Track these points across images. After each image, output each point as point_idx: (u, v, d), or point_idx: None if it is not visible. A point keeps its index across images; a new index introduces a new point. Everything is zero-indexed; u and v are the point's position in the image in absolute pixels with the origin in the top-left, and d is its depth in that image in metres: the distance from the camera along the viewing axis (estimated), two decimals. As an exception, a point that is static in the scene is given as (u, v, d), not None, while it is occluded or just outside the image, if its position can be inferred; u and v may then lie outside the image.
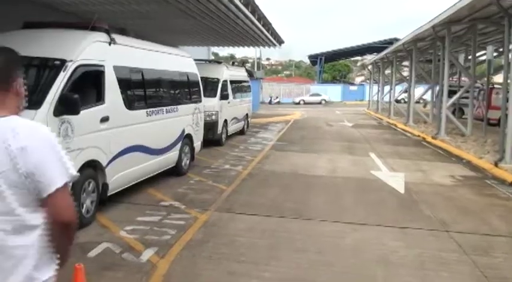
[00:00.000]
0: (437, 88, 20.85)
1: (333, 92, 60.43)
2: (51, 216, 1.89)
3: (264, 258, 5.29)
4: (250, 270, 4.93)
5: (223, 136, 15.02)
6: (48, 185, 1.84)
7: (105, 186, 6.72)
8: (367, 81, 58.93)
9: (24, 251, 1.85)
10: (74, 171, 1.97)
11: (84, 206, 6.16)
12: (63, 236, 1.96)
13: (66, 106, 5.63)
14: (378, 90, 36.73)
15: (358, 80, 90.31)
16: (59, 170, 1.89)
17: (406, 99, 29.68)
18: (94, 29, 6.86)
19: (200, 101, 10.85)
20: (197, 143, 10.55)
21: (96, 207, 6.47)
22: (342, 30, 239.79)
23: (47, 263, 1.97)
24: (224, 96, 14.86)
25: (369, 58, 52.47)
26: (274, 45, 20.97)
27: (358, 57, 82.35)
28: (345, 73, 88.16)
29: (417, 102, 26.73)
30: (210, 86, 14.35)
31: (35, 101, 5.49)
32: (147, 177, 8.02)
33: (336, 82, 75.60)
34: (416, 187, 9.24)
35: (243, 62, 35.32)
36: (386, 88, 34.12)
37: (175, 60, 9.90)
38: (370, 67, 45.64)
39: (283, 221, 6.78)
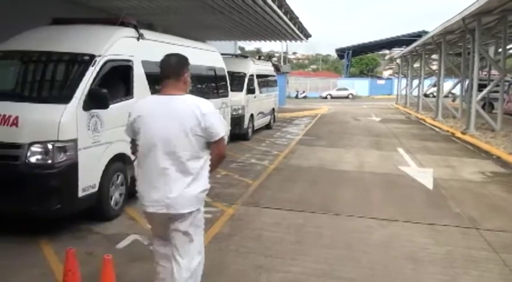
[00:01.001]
0: (467, 82, 20.44)
1: (360, 86, 59.84)
2: (215, 151, 3.53)
3: (291, 252, 5.29)
4: (277, 265, 4.94)
5: (250, 130, 15.05)
6: (216, 135, 3.42)
7: (134, 179, 6.80)
8: (396, 75, 58.11)
9: (196, 170, 3.42)
10: (227, 130, 3.40)
11: (113, 198, 6.27)
12: (218, 161, 3.67)
13: (95, 100, 5.71)
14: (407, 84, 36.23)
15: (386, 73, 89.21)
16: (221, 127, 3.46)
17: (434, 94, 29.17)
18: (123, 24, 6.95)
19: (227, 96, 10.91)
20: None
21: (124, 200, 6.57)
22: (370, 23, 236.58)
23: (205, 178, 3.56)
24: (250, 91, 14.86)
25: (397, 51, 51.69)
26: (301, 39, 20.86)
27: (386, 51, 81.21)
28: (373, 67, 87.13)
29: (446, 96, 26.26)
30: (237, 81, 14.37)
31: (64, 96, 5.62)
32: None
33: (363, 76, 74.80)
34: (445, 183, 9.10)
35: (269, 56, 35.28)
36: (415, 82, 33.60)
37: (203, 55, 9.96)
38: (398, 61, 44.98)
39: (310, 215, 6.77)
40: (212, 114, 3.42)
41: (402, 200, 7.86)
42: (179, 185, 3.36)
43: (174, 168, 3.36)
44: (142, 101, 3.69)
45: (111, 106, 5.97)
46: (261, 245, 5.49)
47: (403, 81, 39.62)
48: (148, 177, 3.44)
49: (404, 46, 46.60)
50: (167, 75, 3.49)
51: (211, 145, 3.46)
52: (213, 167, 3.63)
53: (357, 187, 8.73)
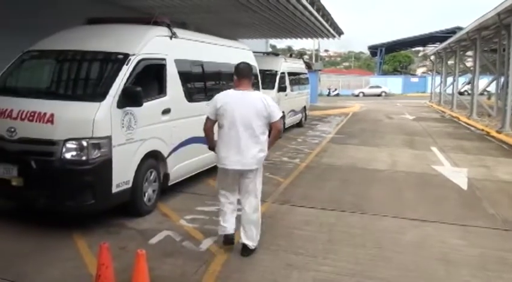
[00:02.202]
0: (503, 79, 19.86)
1: (393, 83, 58.90)
2: (276, 127, 5.06)
3: (322, 251, 5.27)
4: (308, 263, 4.92)
5: (281, 128, 14.97)
6: (275, 117, 4.99)
7: (166, 176, 6.90)
8: (429, 72, 56.99)
9: (262, 142, 4.99)
10: (281, 113, 5.19)
11: (146, 194, 6.35)
12: (277, 135, 5.15)
13: (129, 98, 5.78)
14: (441, 82, 35.48)
15: (419, 71, 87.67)
16: (278, 112, 5.07)
17: (469, 91, 28.50)
18: (156, 23, 7.01)
19: (258, 93, 10.90)
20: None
21: (157, 196, 6.65)
22: (404, 20, 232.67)
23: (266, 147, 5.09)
24: (282, 89, 14.82)
25: (431, 48, 50.62)
26: (334, 36, 20.71)
27: (420, 48, 79.83)
28: (406, 64, 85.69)
29: (481, 94, 25.60)
30: (268, 79, 14.35)
31: (99, 94, 5.71)
32: (206, 168, 8.14)
33: (396, 74, 73.67)
34: (480, 183, 8.89)
35: (301, 54, 35.14)
36: (449, 80, 32.88)
37: (235, 53, 9.97)
38: (432, 58, 44.04)
39: (341, 214, 6.72)
40: (272, 104, 5.05)
41: (435, 200, 7.72)
42: (252, 151, 4.94)
43: (250, 140, 4.93)
44: (224, 93, 5.16)
45: (144, 104, 6.04)
46: (292, 243, 5.48)
47: (437, 79, 38.83)
48: (230, 145, 4.95)
49: (438, 43, 45.69)
50: (244, 76, 5.14)
51: (272, 124, 5.02)
52: (274, 139, 5.20)
53: (390, 186, 8.62)
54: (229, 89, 5.31)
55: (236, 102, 4.97)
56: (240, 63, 5.27)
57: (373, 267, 4.88)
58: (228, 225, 5.18)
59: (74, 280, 4.43)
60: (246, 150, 4.91)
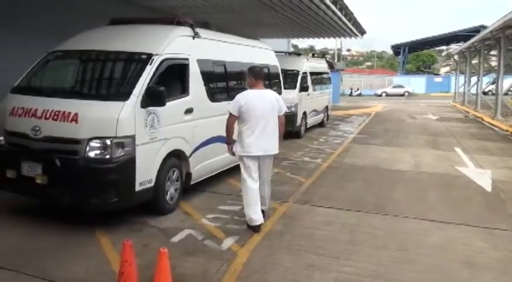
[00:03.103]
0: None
1: (416, 83, 58.16)
2: (281, 119, 6.04)
3: (344, 252, 5.23)
4: (329, 264, 4.89)
5: (303, 128, 14.97)
6: (282, 110, 6.04)
7: (189, 175, 6.94)
8: (453, 72, 56.12)
9: (277, 131, 6.00)
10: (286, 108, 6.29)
11: (168, 193, 6.40)
12: (283, 127, 6.09)
13: (153, 98, 5.82)
14: (464, 82, 34.90)
15: (443, 70, 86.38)
16: (284, 106, 6.12)
17: (493, 91, 27.96)
18: (179, 23, 7.05)
19: (280, 93, 10.86)
20: (276, 135, 10.58)
21: (179, 195, 6.69)
22: (427, 18, 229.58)
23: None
24: (304, 88, 14.74)
25: (455, 47, 49.79)
26: (356, 35, 20.54)
27: (444, 47, 78.70)
28: (430, 64, 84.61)
29: (506, 94, 25.08)
30: (290, 78, 14.31)
31: (122, 93, 5.77)
32: (228, 167, 8.16)
33: (419, 73, 72.75)
34: (504, 185, 8.73)
35: (323, 54, 34.96)
36: (473, 79, 32.31)
37: (257, 53, 9.99)
38: (456, 57, 43.30)
39: (364, 215, 6.67)
40: (281, 99, 6.09)
41: (459, 201, 7.61)
42: (273, 139, 5.98)
43: (271, 130, 5.90)
44: (245, 92, 5.96)
45: (167, 104, 6.08)
46: (313, 244, 5.46)
47: (461, 79, 38.19)
48: (256, 135, 5.81)
49: (462, 42, 44.96)
50: (259, 78, 6.09)
51: (279, 116, 6.00)
52: (283, 128, 6.16)
53: (413, 187, 8.52)
54: (239, 96, 5.95)
55: (256, 99, 5.86)
56: (255, 66, 6.39)
57: (396, 270, 4.83)
58: (257, 216, 5.87)
59: (98, 276, 4.48)
60: (269, 139, 5.92)
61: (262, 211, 6.05)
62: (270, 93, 6.09)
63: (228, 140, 6.06)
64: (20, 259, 4.81)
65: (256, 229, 5.82)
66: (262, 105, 5.84)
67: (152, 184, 5.99)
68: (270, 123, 5.86)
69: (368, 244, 5.52)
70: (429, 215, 6.70)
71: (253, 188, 5.90)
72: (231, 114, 5.89)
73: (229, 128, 5.95)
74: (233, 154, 6.10)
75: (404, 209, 6.99)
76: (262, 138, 5.84)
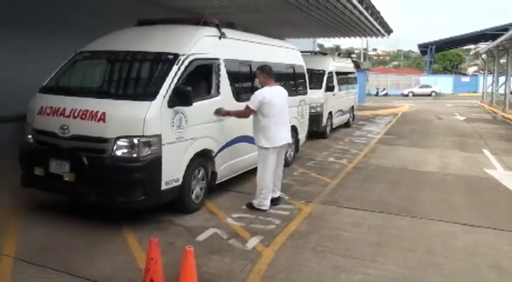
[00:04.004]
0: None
1: (443, 83, 57.19)
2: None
3: (370, 254, 5.17)
4: (356, 266, 4.84)
5: (328, 128, 14.87)
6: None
7: (214, 174, 6.95)
8: (481, 71, 54.97)
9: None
10: (247, 103, 6.66)
11: (194, 192, 6.42)
12: None
13: (180, 98, 5.83)
14: (493, 82, 34.15)
15: (470, 70, 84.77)
16: (249, 101, 6.59)
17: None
18: (205, 24, 7.07)
19: (306, 93, 10.83)
20: (302, 135, 10.53)
21: (205, 194, 6.72)
22: (454, 17, 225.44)
23: None
24: (329, 88, 14.64)
25: (483, 46, 48.65)
26: (382, 35, 20.32)
27: (471, 46, 77.13)
28: (457, 63, 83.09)
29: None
30: (316, 78, 14.23)
31: (149, 93, 5.80)
32: (252, 167, 8.15)
33: (446, 73, 71.52)
34: (534, 188, 8.50)
35: (349, 53, 34.71)
36: (502, 79, 31.57)
37: (282, 53, 9.96)
38: (484, 56, 42.36)
39: (390, 217, 6.59)
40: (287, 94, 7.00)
41: (487, 204, 7.46)
42: (289, 129, 6.96)
43: (286, 121, 6.84)
44: (264, 89, 6.61)
45: (195, 103, 6.10)
46: (339, 245, 5.41)
47: (489, 78, 37.37)
48: (278, 128, 6.57)
49: (490, 40, 43.93)
50: (272, 76, 6.78)
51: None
52: None
53: (440, 189, 8.38)
54: (260, 92, 6.41)
55: (274, 95, 6.61)
56: (265, 64, 6.97)
57: (422, 273, 4.76)
58: (269, 202, 6.70)
59: (124, 273, 4.53)
60: (287, 130, 6.90)
61: (278, 198, 6.98)
62: (281, 89, 6.98)
63: (233, 114, 6.90)
64: (48, 255, 4.89)
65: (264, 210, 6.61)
66: (279, 100, 6.67)
67: (179, 183, 6.02)
68: (286, 116, 6.84)
69: (395, 246, 5.44)
70: (456, 218, 6.58)
71: (271, 177, 6.69)
72: (248, 107, 6.59)
73: (244, 113, 6.74)
74: (222, 115, 6.84)
75: (431, 211, 6.88)
76: (282, 129, 6.70)
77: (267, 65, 6.88)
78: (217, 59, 6.96)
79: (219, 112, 6.80)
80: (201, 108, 6.44)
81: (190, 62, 6.28)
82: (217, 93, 6.92)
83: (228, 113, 6.88)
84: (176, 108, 5.86)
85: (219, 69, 6.98)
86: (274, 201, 6.87)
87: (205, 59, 6.72)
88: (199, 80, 6.60)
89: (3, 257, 4.81)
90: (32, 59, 9.16)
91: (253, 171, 8.13)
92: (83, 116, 5.67)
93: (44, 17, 9.53)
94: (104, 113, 5.57)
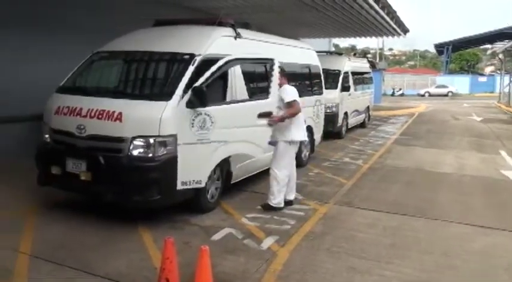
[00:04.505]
0: None
1: (460, 83, 56.57)
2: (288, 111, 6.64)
3: (386, 256, 5.13)
4: (371, 268, 4.81)
5: (344, 129, 14.81)
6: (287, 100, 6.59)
7: (229, 174, 6.95)
8: (498, 71, 54.18)
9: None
10: (290, 99, 6.59)
11: (209, 192, 6.43)
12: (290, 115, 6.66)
13: (197, 98, 5.75)
14: (510, 81, 33.68)
15: (487, 70, 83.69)
16: (289, 96, 6.57)
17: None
18: (221, 24, 7.07)
19: (321, 93, 10.79)
20: (317, 135, 10.50)
21: (220, 193, 6.72)
22: (471, 16, 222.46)
23: None
24: (345, 88, 14.58)
25: (500, 46, 47.86)
26: (399, 34, 20.15)
27: (488, 45, 76.09)
28: (474, 63, 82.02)
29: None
30: (331, 78, 14.17)
31: (165, 93, 5.81)
32: (266, 168, 8.13)
33: (463, 73, 70.69)
34: (552, 190, 8.37)
35: (364, 53, 34.51)
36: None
37: (298, 53, 9.93)
38: (501, 56, 41.64)
39: (406, 218, 6.53)
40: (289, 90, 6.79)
41: (504, 206, 7.37)
42: (304, 128, 6.92)
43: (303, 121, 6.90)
44: (292, 87, 6.79)
45: (221, 106, 6.07)
46: (355, 246, 5.38)
47: (506, 78, 36.84)
48: (300, 123, 6.71)
49: (507, 40, 43.28)
50: (287, 75, 6.99)
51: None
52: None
53: (456, 191, 8.30)
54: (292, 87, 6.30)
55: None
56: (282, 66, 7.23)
57: (439, 275, 4.71)
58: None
59: (139, 271, 4.55)
60: (304, 127, 6.92)
61: (294, 199, 7.01)
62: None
63: (284, 117, 6.61)
64: (64, 253, 4.94)
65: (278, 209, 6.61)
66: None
67: (201, 185, 5.97)
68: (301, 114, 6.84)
69: (411, 248, 5.40)
70: (473, 220, 6.50)
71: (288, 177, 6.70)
72: (295, 102, 6.60)
73: (295, 113, 6.61)
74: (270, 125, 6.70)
75: (447, 213, 6.81)
76: (303, 125, 6.85)
77: (283, 66, 6.93)
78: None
79: (273, 119, 6.66)
80: (231, 111, 6.31)
81: (206, 62, 6.25)
82: (271, 93, 6.97)
83: (283, 118, 6.64)
84: (199, 109, 5.78)
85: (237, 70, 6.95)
86: (289, 203, 6.87)
87: (221, 60, 6.69)
88: (216, 80, 6.51)
89: (20, 254, 4.86)
90: (33, 59, 9.26)
91: (265, 171, 8.13)
92: (100, 116, 5.71)
93: (58, 17, 9.61)
94: (120, 113, 5.61)
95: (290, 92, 6.66)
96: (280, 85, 6.90)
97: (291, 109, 6.62)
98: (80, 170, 5.77)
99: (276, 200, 6.64)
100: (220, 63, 6.16)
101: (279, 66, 6.93)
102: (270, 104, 6.82)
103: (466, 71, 73.70)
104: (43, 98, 6.58)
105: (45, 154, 6.27)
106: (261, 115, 6.72)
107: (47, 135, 6.30)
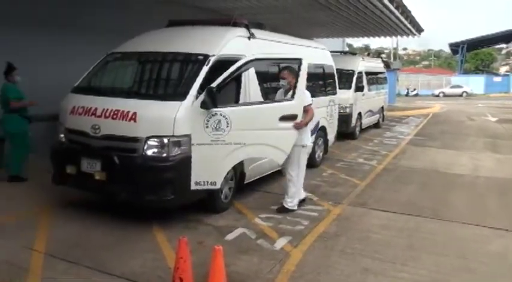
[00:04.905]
0: None
1: (475, 83, 55.89)
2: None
3: (401, 258, 5.09)
4: (386, 269, 4.77)
5: (357, 129, 14.73)
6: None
7: (243, 174, 6.95)
8: (513, 71, 53.50)
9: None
10: (307, 103, 6.56)
11: (223, 192, 6.44)
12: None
13: (210, 99, 5.61)
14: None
15: (502, 70, 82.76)
16: (308, 99, 6.58)
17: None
18: (235, 24, 7.07)
19: (335, 93, 10.74)
20: (331, 136, 10.46)
21: (233, 194, 6.72)
22: (486, 15, 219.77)
23: None
24: (359, 88, 14.50)
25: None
26: (413, 34, 20.02)
27: (503, 45, 75.18)
28: (489, 62, 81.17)
29: None
30: (345, 78, 14.09)
31: (179, 93, 5.82)
32: (279, 168, 8.11)
33: (478, 72, 69.96)
34: None
35: (378, 53, 34.32)
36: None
37: (311, 53, 9.88)
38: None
39: (421, 220, 6.47)
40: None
41: (521, 208, 7.26)
42: None
43: None
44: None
45: (239, 108, 6.05)
46: (369, 248, 5.35)
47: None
48: (308, 130, 6.83)
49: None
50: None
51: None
52: None
53: (471, 192, 8.21)
54: (307, 89, 6.13)
55: None
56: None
57: (455, 278, 4.67)
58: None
59: (153, 271, 4.57)
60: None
61: (305, 198, 7.08)
62: None
63: (307, 121, 6.55)
64: (79, 251, 4.98)
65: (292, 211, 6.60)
66: None
67: (216, 187, 5.84)
68: None
69: (426, 250, 5.35)
70: (489, 222, 6.43)
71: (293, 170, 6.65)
72: (310, 106, 6.63)
73: (312, 118, 6.69)
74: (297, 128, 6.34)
75: (462, 215, 6.74)
76: (309, 129, 6.94)
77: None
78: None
79: (300, 124, 6.31)
80: (251, 113, 6.09)
81: (220, 63, 6.22)
82: (292, 96, 6.55)
83: (306, 123, 6.56)
84: (214, 110, 5.64)
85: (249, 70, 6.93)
86: (302, 202, 6.91)
87: (235, 60, 6.66)
88: (230, 81, 6.48)
89: (34, 253, 4.91)
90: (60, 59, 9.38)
91: (277, 172, 8.12)
92: (114, 116, 5.74)
93: (73, 18, 9.70)
94: (134, 113, 5.64)
95: (304, 95, 6.47)
96: (290, 85, 6.58)
97: (310, 113, 6.58)
98: (94, 169, 5.81)
99: (293, 202, 6.63)
100: (239, 63, 6.01)
101: (287, 67, 6.58)
102: (294, 106, 6.32)
103: (480, 71, 72.94)
104: (58, 98, 6.65)
105: (60, 154, 6.33)
106: (284, 118, 6.23)
107: (62, 135, 6.36)
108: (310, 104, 6.63)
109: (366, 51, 61.42)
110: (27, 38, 8.91)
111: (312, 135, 9.15)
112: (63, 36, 9.46)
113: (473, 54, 75.89)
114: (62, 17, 9.47)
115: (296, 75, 6.43)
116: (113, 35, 7.79)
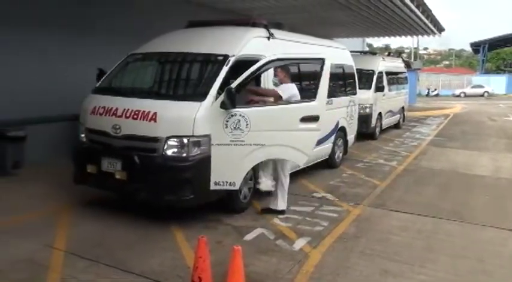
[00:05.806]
0: None
1: (496, 83, 54.86)
2: None
3: (420, 259, 5.05)
4: (404, 271, 4.75)
5: (377, 130, 14.63)
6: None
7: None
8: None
9: None
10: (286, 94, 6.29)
11: (242, 192, 6.45)
12: None
13: (227, 99, 5.60)
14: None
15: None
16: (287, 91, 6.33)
17: None
18: (254, 25, 7.08)
19: (355, 94, 10.67)
20: (351, 136, 10.40)
21: (252, 194, 6.72)
22: (508, 14, 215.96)
23: None
24: (379, 89, 14.39)
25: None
26: (434, 33, 19.82)
27: (526, 43, 73.65)
28: (510, 62, 79.65)
29: None
30: (365, 78, 13.99)
31: (199, 94, 5.84)
32: (300, 168, 8.11)
33: (500, 72, 68.74)
34: None
35: (399, 53, 34.00)
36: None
37: (331, 53, 9.82)
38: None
39: (440, 222, 6.41)
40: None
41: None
42: None
43: None
44: (294, 85, 6.51)
45: (259, 108, 6.01)
46: (388, 249, 5.32)
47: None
48: None
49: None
50: (290, 75, 6.58)
51: None
52: None
53: (492, 194, 8.09)
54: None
55: None
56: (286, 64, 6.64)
57: (473, 280, 4.63)
58: None
59: (172, 270, 4.61)
60: None
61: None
62: None
63: None
64: (98, 250, 5.04)
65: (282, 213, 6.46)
66: None
67: (234, 187, 5.85)
68: None
69: (444, 252, 5.30)
70: (509, 224, 6.34)
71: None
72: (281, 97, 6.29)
73: None
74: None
75: (482, 217, 6.66)
76: None
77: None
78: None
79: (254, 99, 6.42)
80: (271, 113, 6.07)
81: (240, 63, 6.23)
82: (314, 96, 6.51)
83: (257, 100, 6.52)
84: (233, 110, 5.63)
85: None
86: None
87: (255, 60, 6.67)
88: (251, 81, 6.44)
89: (54, 251, 4.99)
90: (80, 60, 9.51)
91: (301, 173, 8.12)
92: (135, 116, 5.80)
93: (92, 19, 9.82)
94: (155, 113, 5.69)
95: (296, 92, 6.40)
96: (281, 82, 6.54)
97: (267, 98, 6.43)
98: (115, 169, 5.88)
99: (285, 202, 6.55)
100: (259, 64, 5.97)
101: (282, 66, 6.49)
102: (316, 107, 6.29)
103: (502, 71, 71.66)
104: (78, 98, 6.75)
105: (81, 153, 6.42)
106: (305, 119, 6.17)
107: (83, 135, 6.45)
108: (281, 97, 6.28)
109: (386, 51, 60.73)
110: (49, 38, 9.06)
111: (331, 136, 9.14)
112: (82, 38, 9.58)
113: (495, 53, 74.59)
114: (81, 18, 9.57)
115: (319, 75, 6.51)
116: (130, 36, 7.86)
